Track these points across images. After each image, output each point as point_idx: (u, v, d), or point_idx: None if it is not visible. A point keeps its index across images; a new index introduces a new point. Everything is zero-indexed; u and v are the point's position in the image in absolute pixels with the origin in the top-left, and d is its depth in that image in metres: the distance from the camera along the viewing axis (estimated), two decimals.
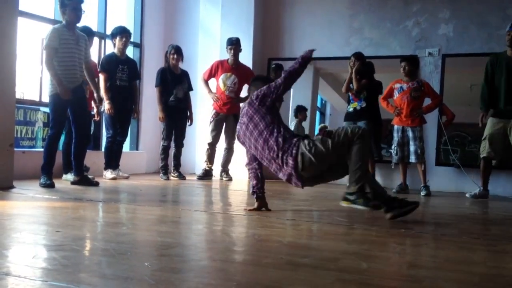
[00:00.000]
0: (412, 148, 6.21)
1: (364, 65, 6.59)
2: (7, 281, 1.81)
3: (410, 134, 6.22)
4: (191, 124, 7.15)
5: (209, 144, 7.07)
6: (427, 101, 6.36)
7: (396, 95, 6.31)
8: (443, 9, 7.06)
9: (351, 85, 6.54)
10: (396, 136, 6.30)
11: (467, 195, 5.73)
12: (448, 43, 7.01)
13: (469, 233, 3.40)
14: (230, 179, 7.17)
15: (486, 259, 2.66)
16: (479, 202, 5.56)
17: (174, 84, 6.82)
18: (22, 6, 5.56)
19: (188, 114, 7.09)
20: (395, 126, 6.34)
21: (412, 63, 6.28)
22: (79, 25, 5.47)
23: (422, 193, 6.08)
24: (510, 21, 6.26)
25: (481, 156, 5.77)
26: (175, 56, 6.84)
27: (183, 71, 7.05)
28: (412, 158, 6.22)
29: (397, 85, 6.33)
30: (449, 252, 2.70)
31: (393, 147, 6.39)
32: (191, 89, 7.14)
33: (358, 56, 6.66)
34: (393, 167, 6.42)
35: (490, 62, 5.73)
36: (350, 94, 6.62)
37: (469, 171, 6.45)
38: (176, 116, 6.88)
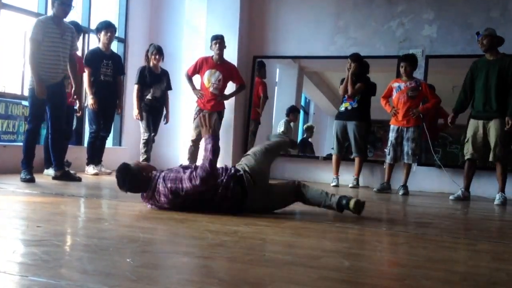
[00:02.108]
0: (404, 148, 6.24)
1: (360, 66, 6.66)
2: None
3: (405, 134, 6.25)
4: (166, 122, 7.12)
5: (192, 141, 7.04)
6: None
7: (394, 94, 6.35)
8: (427, 10, 7.12)
9: (348, 87, 6.62)
10: (391, 136, 6.34)
11: (450, 197, 5.79)
12: (431, 44, 7.07)
13: (450, 232, 3.43)
14: None
15: (466, 258, 2.69)
16: (459, 202, 5.62)
17: (152, 83, 6.78)
18: None
19: (165, 112, 7.06)
20: (391, 126, 6.37)
21: (411, 63, 6.32)
22: (66, 20, 5.41)
23: (400, 192, 6.13)
24: (493, 23, 6.35)
25: (465, 158, 5.84)
26: (157, 57, 6.80)
27: (163, 70, 7.00)
28: (405, 159, 6.26)
29: (395, 84, 6.37)
30: (430, 251, 2.72)
31: (387, 147, 6.43)
32: (169, 88, 7.08)
33: (355, 58, 6.71)
34: (385, 166, 6.45)
35: (471, 68, 5.85)
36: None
37: (450, 172, 6.51)
38: (152, 114, 6.84)
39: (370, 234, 3.19)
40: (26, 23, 6.37)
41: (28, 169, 5.08)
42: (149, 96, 6.77)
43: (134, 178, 3.49)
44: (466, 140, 5.84)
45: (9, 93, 6.31)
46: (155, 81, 6.82)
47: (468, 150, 5.79)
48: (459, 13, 6.97)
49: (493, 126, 5.61)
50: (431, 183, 6.79)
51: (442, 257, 2.58)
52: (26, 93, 6.26)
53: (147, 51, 6.88)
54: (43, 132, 5.82)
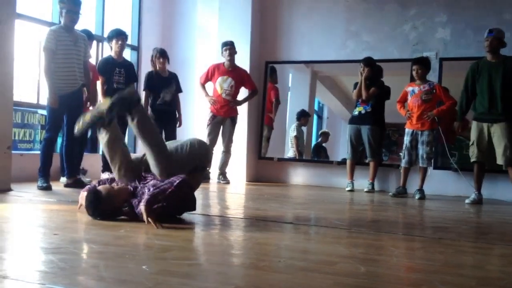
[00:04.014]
0: (419, 152, 6.19)
1: (373, 70, 6.65)
2: (4, 284, 1.80)
3: (419, 138, 6.21)
4: (180, 125, 7.08)
5: None
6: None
7: (409, 98, 6.31)
8: (440, 13, 7.09)
9: (362, 92, 6.61)
10: (405, 140, 6.30)
11: (466, 201, 5.73)
12: (445, 47, 7.03)
13: (467, 236, 3.40)
14: (228, 182, 7.17)
15: (484, 262, 2.66)
16: (476, 206, 5.57)
17: (161, 88, 6.74)
18: (19, 9, 5.55)
19: (177, 116, 7.01)
20: (406, 130, 6.33)
21: (424, 66, 6.27)
22: (79, 28, 5.47)
23: (416, 196, 6.09)
24: (506, 26, 6.30)
25: (471, 160, 5.82)
26: (161, 60, 6.74)
27: (171, 73, 6.95)
28: (420, 162, 6.22)
29: (409, 88, 6.33)
30: (447, 255, 2.70)
31: (402, 150, 6.40)
32: (179, 91, 6.98)
33: (368, 62, 6.69)
34: (401, 170, 6.41)
35: (471, 69, 5.83)
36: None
37: (467, 175, 6.45)
38: (165, 119, 6.78)
39: (386, 239, 3.17)
40: (40, 32, 6.45)
41: (45, 177, 5.13)
42: (159, 101, 6.74)
43: (104, 207, 3.27)
44: (471, 143, 5.82)
45: (25, 102, 6.38)
46: (164, 85, 6.75)
47: (473, 153, 5.77)
48: (472, 15, 6.93)
49: (498, 129, 5.60)
50: (448, 186, 6.74)
51: (459, 262, 2.55)
52: (41, 102, 6.35)
53: (152, 56, 6.86)
54: (59, 140, 5.86)
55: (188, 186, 3.28)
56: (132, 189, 3.40)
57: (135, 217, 3.28)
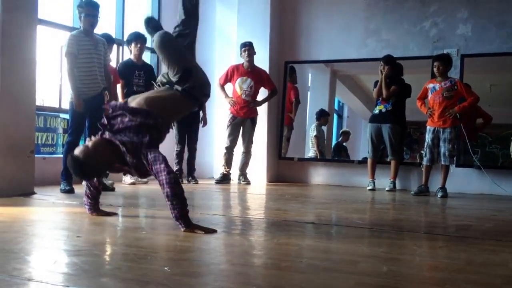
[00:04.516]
0: (441, 149, 6.13)
1: (394, 68, 6.60)
2: (29, 287, 1.83)
3: (441, 135, 6.14)
4: (204, 125, 7.12)
5: (226, 148, 7.08)
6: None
7: (430, 95, 6.25)
8: (461, 9, 7.00)
9: (383, 90, 6.57)
10: (427, 138, 6.24)
11: None
12: (466, 43, 6.95)
13: (491, 235, 3.35)
14: (248, 182, 7.17)
15: (508, 261, 2.62)
16: (500, 203, 5.49)
17: None
18: (41, 15, 5.63)
19: (202, 115, 7.06)
20: (428, 127, 6.26)
21: (445, 63, 6.19)
22: (99, 32, 5.52)
23: (439, 194, 6.02)
24: None
25: None
26: None
27: None
28: (441, 160, 6.15)
29: (430, 85, 6.26)
30: (471, 254, 2.66)
31: (424, 148, 6.34)
32: None
33: (388, 60, 6.64)
34: (423, 168, 6.35)
35: None
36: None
37: (490, 172, 6.37)
38: (188, 119, 6.78)
39: (408, 238, 3.14)
40: (62, 37, 6.54)
41: (67, 180, 5.19)
42: None
43: (89, 168, 3.16)
44: None
45: (47, 107, 6.47)
46: None
47: None
48: (493, 10, 6.83)
49: None
50: (471, 184, 6.66)
51: (483, 260, 2.52)
52: (63, 106, 6.43)
53: None
54: (81, 143, 5.93)
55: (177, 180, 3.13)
56: (108, 137, 3.24)
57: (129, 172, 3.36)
